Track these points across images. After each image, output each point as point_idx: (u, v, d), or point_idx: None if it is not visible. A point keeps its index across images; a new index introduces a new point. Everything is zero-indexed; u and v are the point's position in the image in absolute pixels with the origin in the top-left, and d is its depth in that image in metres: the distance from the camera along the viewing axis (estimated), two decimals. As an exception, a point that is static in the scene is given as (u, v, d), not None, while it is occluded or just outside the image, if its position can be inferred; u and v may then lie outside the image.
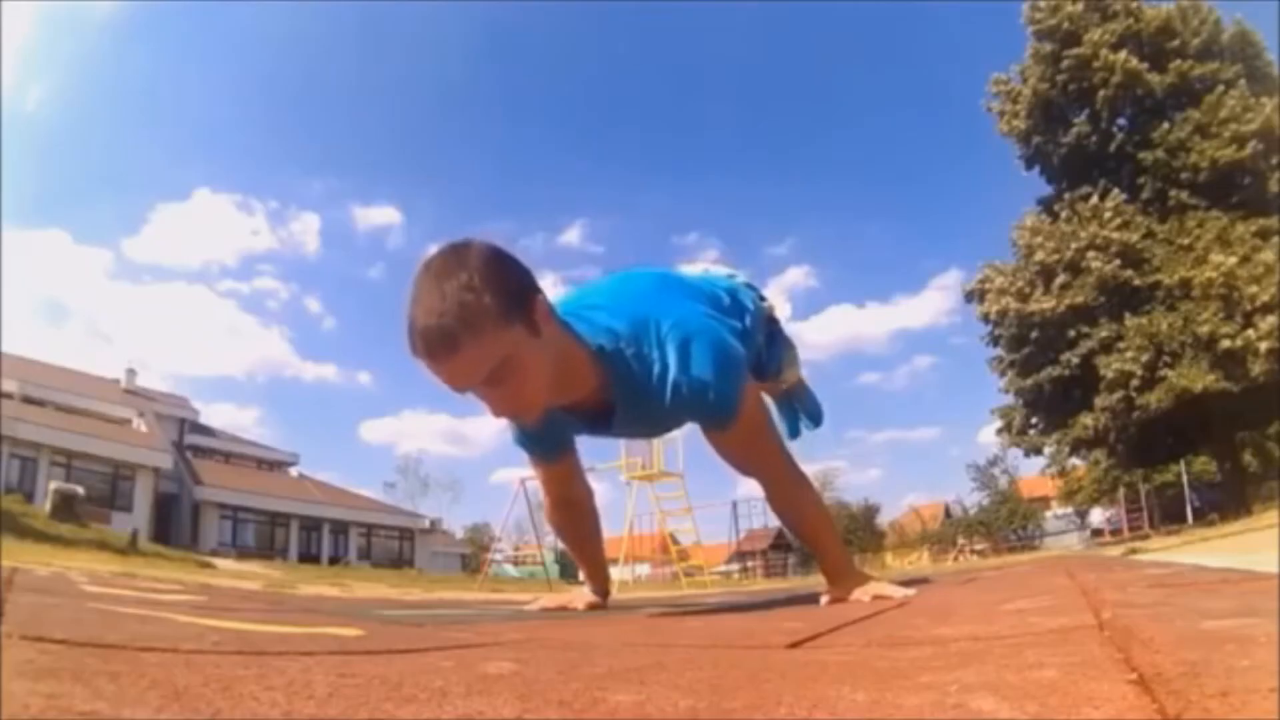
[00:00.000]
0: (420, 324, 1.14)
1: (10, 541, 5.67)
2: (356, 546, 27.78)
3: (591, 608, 1.89)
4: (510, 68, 65.65)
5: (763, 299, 1.92)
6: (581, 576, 2.17)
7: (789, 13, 59.98)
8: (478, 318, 1.13)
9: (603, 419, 1.47)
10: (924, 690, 0.48)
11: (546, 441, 1.69)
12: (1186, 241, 13.61)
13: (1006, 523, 32.69)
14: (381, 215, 60.73)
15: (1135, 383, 13.45)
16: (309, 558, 24.03)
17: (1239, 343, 12.39)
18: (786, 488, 1.60)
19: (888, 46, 60.35)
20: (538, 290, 1.26)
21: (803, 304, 57.15)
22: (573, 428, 1.64)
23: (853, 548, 33.17)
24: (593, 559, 2.04)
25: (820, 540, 1.65)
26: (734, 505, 28.20)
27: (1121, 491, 26.77)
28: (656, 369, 1.35)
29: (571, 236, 60.55)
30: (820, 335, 56.15)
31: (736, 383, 1.39)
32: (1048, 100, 15.59)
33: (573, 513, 1.94)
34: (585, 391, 1.40)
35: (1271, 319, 12.12)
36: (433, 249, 1.23)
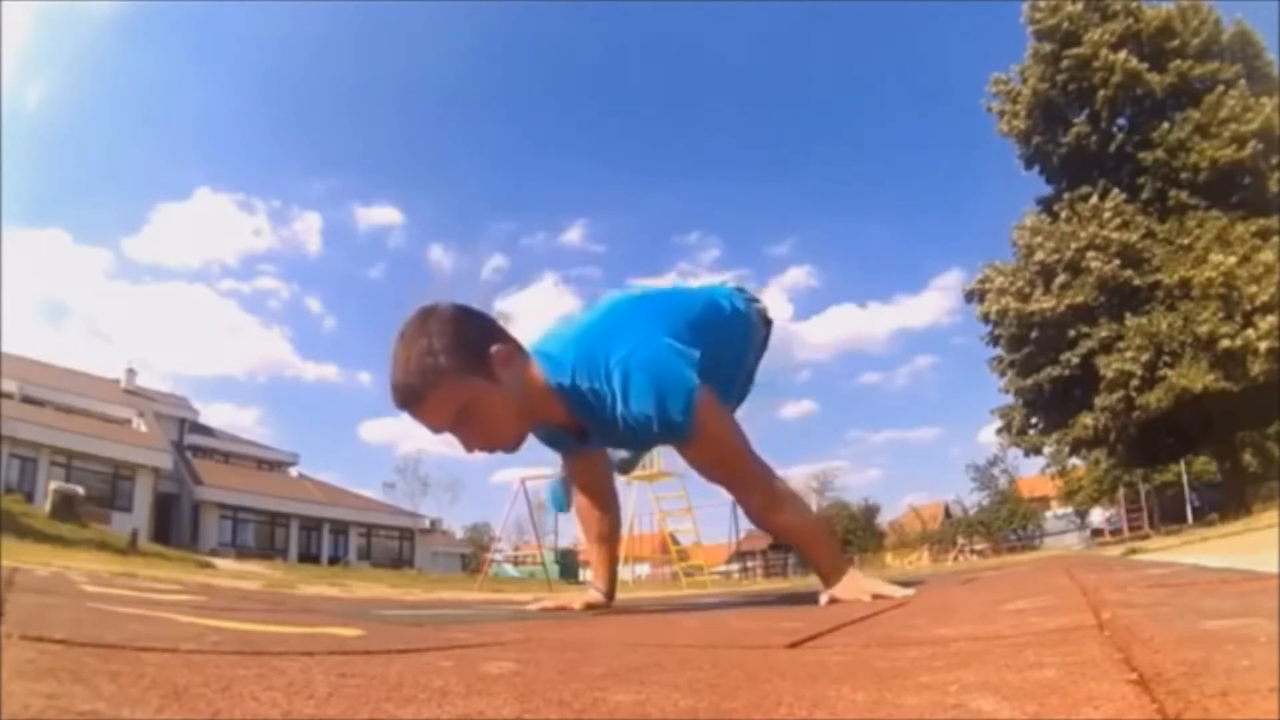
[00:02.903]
0: (393, 382, 1.39)
1: (10, 541, 5.66)
2: (356, 546, 27.77)
3: (591, 607, 1.89)
4: (511, 67, 65.72)
5: (755, 300, 1.94)
6: (584, 576, 2.21)
7: (790, 12, 60.06)
8: (434, 376, 1.37)
9: (583, 436, 1.64)
10: (924, 690, 0.48)
11: (560, 443, 1.84)
12: (1186, 241, 13.60)
13: (1006, 523, 32.68)
14: (382, 215, 60.80)
15: (1135, 383, 13.44)
16: (309, 558, 24.02)
17: (1239, 343, 12.38)
18: (755, 498, 1.59)
19: (888, 46, 60.39)
20: (496, 341, 1.44)
21: (803, 304, 57.25)
22: (562, 440, 1.77)
23: (852, 548, 33.19)
24: (600, 557, 2.06)
25: (806, 545, 1.66)
26: (734, 505, 28.07)
27: (1121, 491, 26.78)
28: (608, 402, 1.47)
29: (573, 236, 60.69)
30: (821, 335, 56.28)
31: (680, 404, 1.44)
32: (1048, 100, 15.58)
33: (590, 507, 2.04)
34: (558, 417, 1.56)
35: (1271, 319, 12.12)
36: (408, 313, 1.45)
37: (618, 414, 1.46)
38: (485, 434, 1.46)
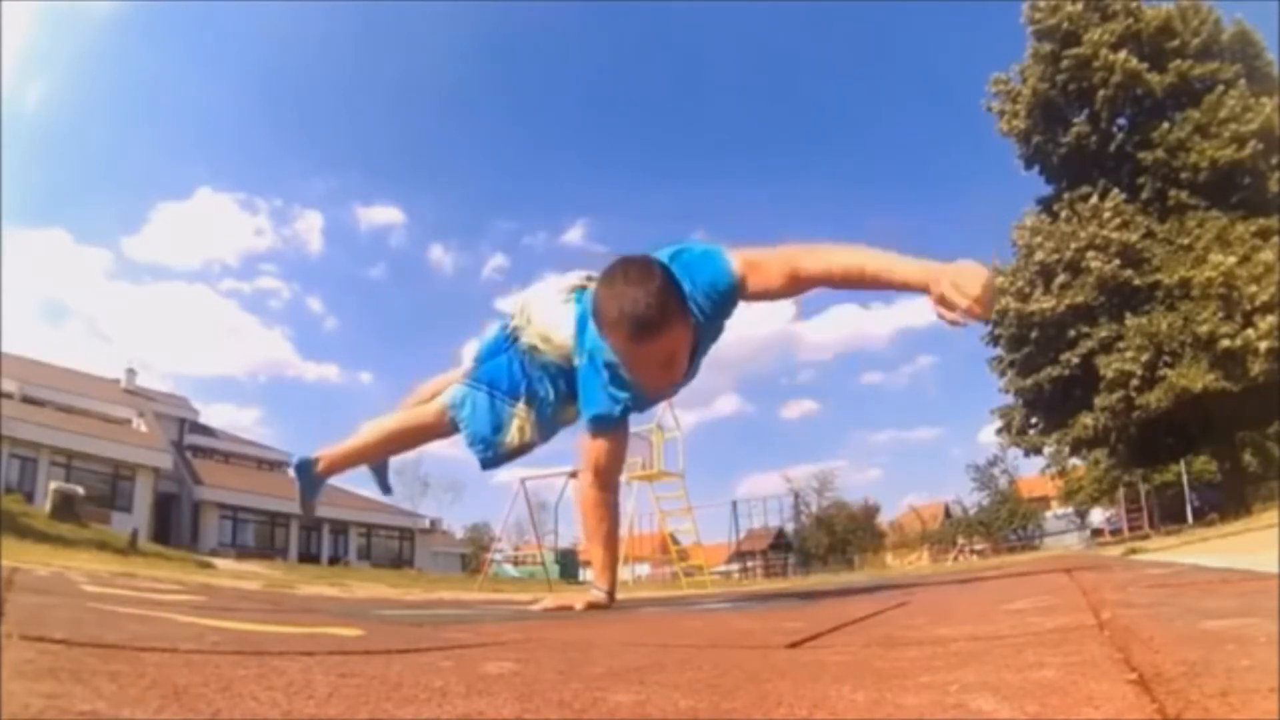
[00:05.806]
0: (629, 312, 1.53)
1: (10, 541, 5.66)
2: (356, 546, 27.75)
3: (592, 607, 1.89)
4: (512, 67, 65.54)
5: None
6: (584, 576, 2.20)
7: (790, 12, 60.01)
8: (671, 311, 1.57)
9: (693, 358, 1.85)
10: (924, 690, 0.48)
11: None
12: (1186, 241, 13.60)
13: (1006, 523, 32.67)
14: (383, 214, 60.73)
15: (1135, 382, 13.44)
16: (309, 558, 24.00)
17: (1239, 342, 12.38)
18: (818, 255, 1.73)
19: (888, 46, 60.27)
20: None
21: (806, 304, 57.11)
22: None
23: (852, 547, 33.21)
24: (600, 557, 2.06)
25: (883, 260, 1.67)
26: (734, 505, 28.20)
27: (1121, 491, 26.74)
28: (693, 290, 1.73)
29: (574, 235, 60.41)
30: (823, 335, 56.22)
31: (712, 255, 1.77)
32: (1048, 100, 15.57)
33: (592, 503, 2.03)
34: (691, 340, 1.75)
35: (1271, 319, 12.11)
36: (616, 259, 1.65)
37: (701, 295, 1.74)
38: (675, 370, 1.71)
